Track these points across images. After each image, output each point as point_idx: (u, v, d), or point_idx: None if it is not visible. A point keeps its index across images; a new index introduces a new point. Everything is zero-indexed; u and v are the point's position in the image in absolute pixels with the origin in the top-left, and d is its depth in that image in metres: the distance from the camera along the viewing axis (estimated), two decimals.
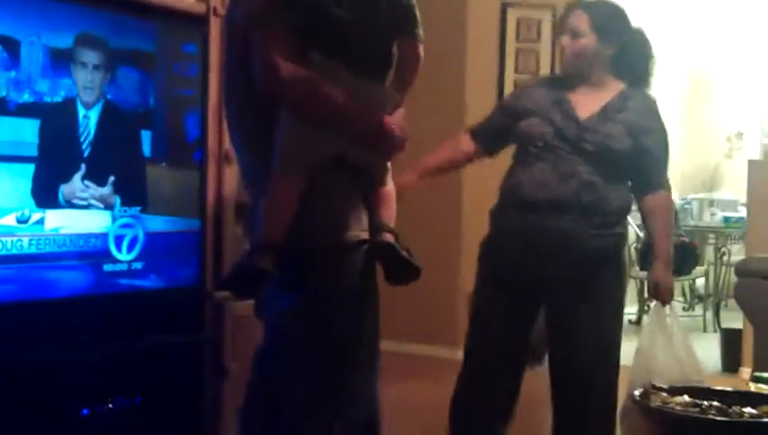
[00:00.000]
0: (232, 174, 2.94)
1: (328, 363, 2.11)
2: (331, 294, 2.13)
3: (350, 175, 2.18)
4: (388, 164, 2.31)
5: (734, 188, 7.26)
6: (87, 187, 2.61)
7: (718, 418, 1.54)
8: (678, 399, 1.71)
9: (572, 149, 2.68)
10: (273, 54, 2.08)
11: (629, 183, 2.78)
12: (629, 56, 2.79)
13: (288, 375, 2.12)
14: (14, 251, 2.45)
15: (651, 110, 2.80)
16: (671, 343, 2.65)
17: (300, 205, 2.11)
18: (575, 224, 2.64)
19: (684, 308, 7.25)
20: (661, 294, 2.74)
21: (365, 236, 2.20)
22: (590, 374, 2.67)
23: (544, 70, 5.13)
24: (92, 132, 2.63)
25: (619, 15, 2.81)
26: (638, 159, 2.71)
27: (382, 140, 2.17)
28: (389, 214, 2.25)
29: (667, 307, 2.73)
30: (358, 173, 2.21)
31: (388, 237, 2.21)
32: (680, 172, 8.06)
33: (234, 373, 2.88)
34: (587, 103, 2.74)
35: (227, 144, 2.80)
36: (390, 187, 2.29)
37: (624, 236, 2.82)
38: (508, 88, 5.18)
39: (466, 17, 4.94)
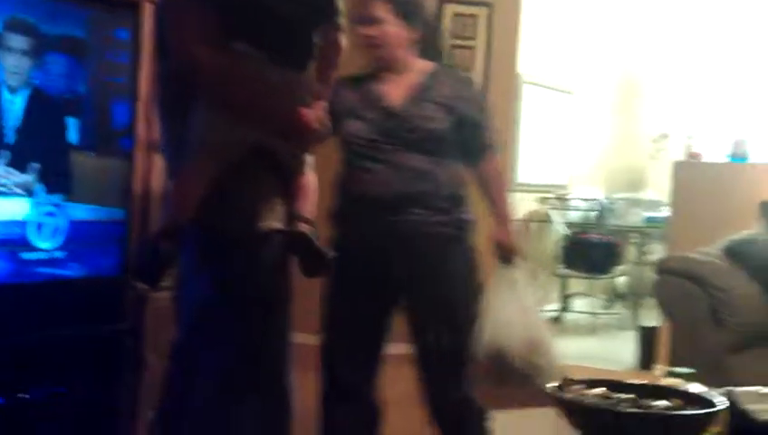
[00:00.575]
0: (161, 164, 2.87)
1: (241, 353, 2.11)
2: (243, 283, 2.13)
3: (267, 164, 2.17)
4: (308, 155, 2.30)
5: (658, 189, 7.44)
6: (9, 173, 2.54)
7: (630, 410, 1.57)
8: (593, 391, 1.75)
9: (396, 140, 2.68)
10: (188, 37, 2.06)
11: (460, 162, 2.82)
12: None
13: (202, 367, 2.12)
14: None
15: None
16: (516, 301, 2.70)
17: (213, 191, 2.10)
18: (419, 215, 2.67)
19: (604, 307, 7.45)
20: (506, 252, 2.76)
21: (278, 226, 2.20)
22: (453, 349, 2.69)
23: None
24: (17, 118, 2.56)
25: None
26: (459, 130, 2.73)
27: (299, 131, 2.16)
28: (307, 204, 2.25)
29: (516, 269, 2.77)
30: (275, 163, 2.20)
31: (304, 228, 2.22)
32: (607, 172, 8.25)
33: (153, 365, 2.85)
34: (397, 90, 2.73)
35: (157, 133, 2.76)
36: (309, 177, 2.29)
37: (469, 221, 2.81)
38: None
39: None
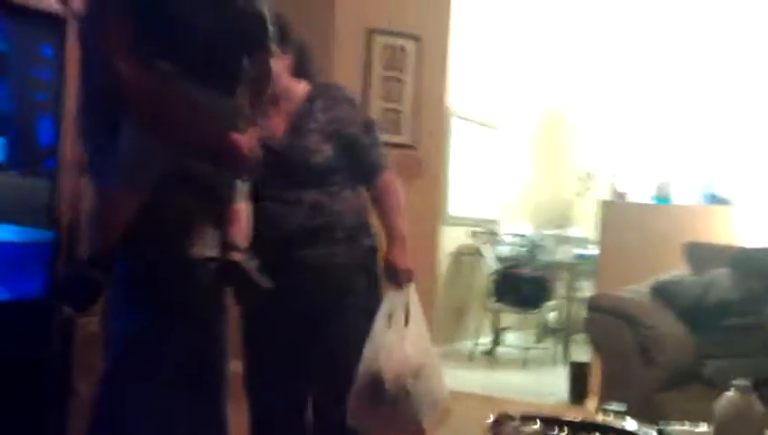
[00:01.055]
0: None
1: (170, 384, 2.05)
2: (172, 313, 2.07)
3: (197, 190, 2.12)
4: (239, 182, 2.26)
5: (585, 226, 7.57)
6: None
7: None
8: (529, 427, 1.74)
9: (284, 177, 2.60)
10: (113, 52, 1.98)
11: (358, 187, 2.75)
12: (304, 56, 2.73)
13: (131, 396, 2.05)
14: None
15: (341, 99, 2.73)
16: (400, 325, 2.63)
17: (141, 216, 2.03)
18: (320, 249, 2.61)
19: (535, 341, 7.50)
20: (399, 276, 2.66)
21: (211, 253, 2.15)
22: (343, 377, 2.63)
23: (406, 130, 5.23)
24: None
25: (284, 19, 2.62)
26: (347, 154, 2.66)
27: (229, 158, 2.10)
28: (239, 232, 2.21)
29: (408, 292, 2.68)
30: (206, 189, 2.15)
31: (236, 256, 2.16)
32: (534, 208, 8.36)
33: (82, 392, 2.76)
34: (278, 122, 2.65)
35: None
36: (241, 205, 2.24)
37: (373, 248, 2.74)
38: (374, 115, 5.25)
39: (333, 42, 4.93)
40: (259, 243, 2.44)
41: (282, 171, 2.57)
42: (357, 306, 2.68)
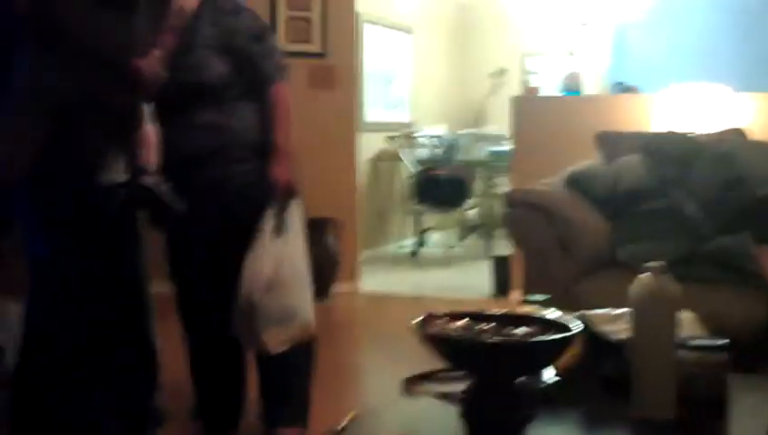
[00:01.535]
0: None
1: (91, 308, 2.08)
2: (87, 238, 2.09)
3: (105, 116, 2.09)
4: (145, 106, 2.23)
5: (500, 124, 7.65)
6: None
7: (493, 339, 1.63)
8: (455, 324, 1.80)
9: (175, 98, 2.50)
10: None
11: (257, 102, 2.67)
12: None
13: (46, 323, 2.09)
14: None
15: (228, 9, 2.64)
16: (283, 242, 2.59)
17: (51, 145, 2.02)
18: (218, 170, 2.56)
19: (458, 240, 7.64)
20: (278, 190, 2.60)
21: (121, 178, 2.13)
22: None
23: (315, 39, 5.12)
24: None
25: None
26: (239, 65, 2.58)
27: (132, 81, 2.09)
28: (150, 155, 2.18)
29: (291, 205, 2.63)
30: (114, 114, 2.11)
31: (147, 180, 2.14)
32: (449, 109, 8.40)
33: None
34: (166, 39, 2.53)
35: None
36: (148, 127, 2.21)
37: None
38: (281, 24, 5.16)
39: None
40: (165, 166, 2.39)
41: (174, 92, 2.46)
42: (237, 223, 2.61)
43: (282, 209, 2.54)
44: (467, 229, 7.68)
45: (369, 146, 6.89)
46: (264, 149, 2.59)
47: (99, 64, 2.01)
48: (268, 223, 2.54)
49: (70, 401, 2.08)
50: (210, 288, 2.65)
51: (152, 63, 2.10)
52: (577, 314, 1.87)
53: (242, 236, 2.55)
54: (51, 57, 1.96)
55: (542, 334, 1.62)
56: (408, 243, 7.45)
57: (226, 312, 2.56)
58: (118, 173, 2.10)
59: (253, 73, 2.60)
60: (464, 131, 7.92)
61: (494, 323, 1.72)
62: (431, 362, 1.68)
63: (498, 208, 6.18)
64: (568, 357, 1.74)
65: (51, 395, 2.08)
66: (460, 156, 7.52)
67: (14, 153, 1.98)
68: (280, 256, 2.52)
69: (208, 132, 2.51)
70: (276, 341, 2.50)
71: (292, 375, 2.65)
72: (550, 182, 3.74)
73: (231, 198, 2.57)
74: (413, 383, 1.80)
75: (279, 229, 2.55)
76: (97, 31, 1.98)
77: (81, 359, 2.09)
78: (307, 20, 5.16)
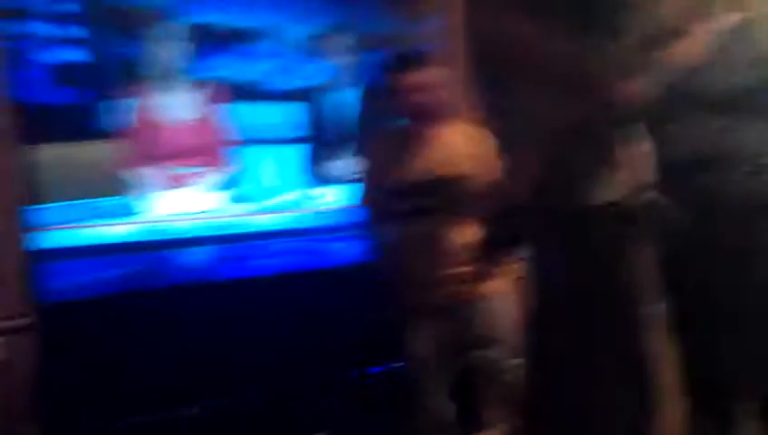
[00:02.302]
0: None
1: (581, 329, 2.17)
2: (583, 259, 2.15)
3: (593, 137, 2.16)
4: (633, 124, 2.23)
5: None
6: (352, 163, 2.84)
7: None
8: None
9: (691, 100, 2.47)
10: (496, 13, 2.10)
11: None
12: None
13: (550, 339, 2.22)
14: (296, 225, 2.75)
15: None
16: None
17: (544, 171, 2.13)
18: (721, 175, 2.49)
19: None
20: None
21: (612, 197, 2.16)
22: None
23: None
24: (354, 112, 2.87)
25: None
26: None
27: (620, 103, 2.12)
28: (644, 172, 2.22)
29: None
30: (602, 135, 2.18)
31: (648, 196, 2.17)
32: None
33: None
34: (698, 45, 2.51)
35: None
36: (641, 145, 2.22)
37: None
38: None
39: None
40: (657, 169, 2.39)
41: (688, 92, 2.48)
42: None
43: None
44: None
45: None
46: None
47: (590, 92, 2.10)
48: None
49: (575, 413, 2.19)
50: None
51: (638, 85, 2.14)
52: None
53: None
54: (545, 91, 2.09)
55: None
56: None
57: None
58: (608, 192, 2.15)
59: None
60: None
61: None
62: None
63: None
64: None
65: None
66: None
67: (523, 177, 2.13)
68: None
69: (717, 137, 2.50)
70: None
71: None
72: None
73: (736, 204, 2.49)
74: None
75: None
76: (575, 58, 2.06)
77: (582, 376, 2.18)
78: None
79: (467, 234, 2.39)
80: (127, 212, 2.48)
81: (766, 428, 2.63)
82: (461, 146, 2.52)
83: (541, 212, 2.16)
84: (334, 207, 2.83)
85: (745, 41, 2.56)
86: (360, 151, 2.85)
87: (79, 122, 2.42)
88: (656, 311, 2.32)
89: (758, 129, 2.56)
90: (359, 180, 2.51)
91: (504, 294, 2.68)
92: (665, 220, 2.17)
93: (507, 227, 2.20)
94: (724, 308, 2.64)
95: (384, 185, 2.43)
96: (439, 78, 2.46)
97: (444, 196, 2.50)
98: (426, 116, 2.43)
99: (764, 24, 2.60)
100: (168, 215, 2.54)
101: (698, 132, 2.55)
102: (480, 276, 2.66)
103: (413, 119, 2.42)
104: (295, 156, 2.78)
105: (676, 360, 2.66)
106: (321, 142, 2.83)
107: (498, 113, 2.24)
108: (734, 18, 2.59)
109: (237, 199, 2.67)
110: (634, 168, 2.21)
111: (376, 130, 2.66)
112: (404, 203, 2.45)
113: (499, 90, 2.19)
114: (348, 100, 2.88)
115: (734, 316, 2.65)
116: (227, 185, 2.64)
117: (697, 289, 2.64)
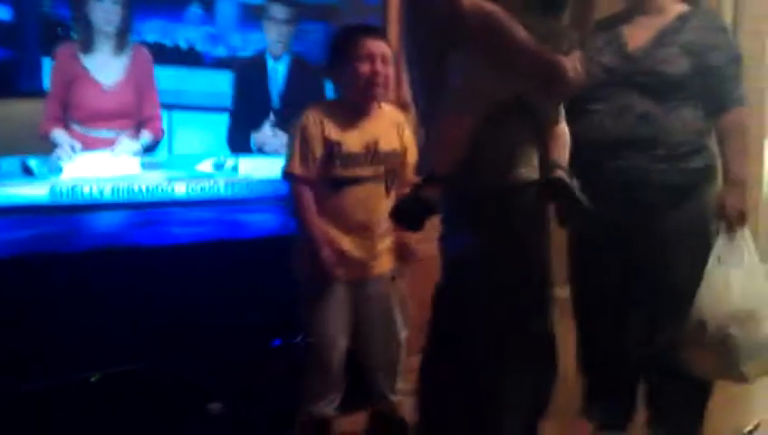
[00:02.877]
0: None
1: (497, 305, 2.12)
2: (500, 234, 2.12)
3: (521, 114, 2.14)
4: (561, 104, 2.26)
5: None
6: (276, 135, 2.86)
7: None
8: None
9: (624, 84, 2.59)
10: None
11: (702, 112, 2.63)
12: None
13: (461, 316, 2.15)
14: (211, 194, 2.75)
15: (713, 27, 2.66)
16: (742, 272, 2.56)
17: (470, 143, 2.08)
18: (634, 160, 2.58)
19: None
20: (728, 218, 2.56)
21: (535, 175, 2.16)
22: (667, 309, 2.67)
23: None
24: (281, 83, 2.88)
25: None
26: (702, 79, 2.59)
27: (557, 82, 2.09)
28: (562, 152, 2.20)
29: (740, 233, 2.58)
30: (530, 112, 2.16)
31: (560, 174, 2.14)
32: None
33: (413, 314, 3.06)
34: (641, 33, 2.64)
35: (405, 95, 2.80)
36: (562, 126, 2.24)
37: (707, 169, 2.61)
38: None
39: None
40: (580, 149, 2.36)
41: (626, 78, 2.61)
42: (676, 230, 2.61)
43: (731, 238, 2.57)
44: None
45: None
46: (686, 152, 2.59)
47: (527, 69, 2.06)
48: (720, 249, 2.56)
49: (479, 391, 2.15)
50: (615, 292, 2.73)
51: (573, 62, 2.10)
52: None
53: (645, 240, 2.62)
54: (482, 64, 2.04)
55: None
56: None
57: (626, 319, 2.72)
58: (533, 169, 2.13)
59: (712, 90, 2.60)
60: None
61: None
62: None
63: None
64: None
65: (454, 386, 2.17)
66: None
67: (447, 147, 2.07)
68: (744, 284, 2.55)
69: (638, 122, 2.57)
70: (756, 372, 2.57)
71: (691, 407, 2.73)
72: None
73: (638, 194, 2.59)
74: None
75: (738, 257, 2.56)
76: (528, 36, 2.02)
77: (489, 354, 2.16)
78: None
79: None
80: (40, 173, 2.44)
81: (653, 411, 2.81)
82: (394, 122, 2.66)
83: (459, 186, 2.14)
84: (253, 178, 2.83)
85: (680, 30, 2.66)
86: (288, 121, 2.79)
87: None
88: (562, 293, 2.41)
89: (682, 117, 2.65)
90: (288, 149, 2.56)
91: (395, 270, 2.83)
92: (577, 203, 2.13)
93: (422, 199, 2.08)
94: (622, 292, 2.80)
95: (319, 154, 2.51)
96: (391, 52, 2.55)
97: (381, 167, 2.61)
98: (376, 87, 2.53)
99: (701, 15, 2.70)
100: (83, 178, 2.50)
101: (623, 115, 2.64)
102: (400, 249, 2.77)
103: (364, 88, 2.51)
104: (218, 124, 2.76)
105: (575, 341, 2.85)
106: (245, 112, 2.82)
107: (428, 85, 2.19)
108: (677, 8, 2.73)
109: (155, 166, 2.64)
110: (556, 147, 2.22)
111: (312, 101, 2.62)
112: (342, 171, 2.55)
113: (431, 61, 2.15)
114: (276, 71, 2.87)
115: (630, 301, 2.81)
116: (146, 150, 2.62)
117: (599, 273, 2.80)
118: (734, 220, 2.55)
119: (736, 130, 2.60)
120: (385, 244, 2.66)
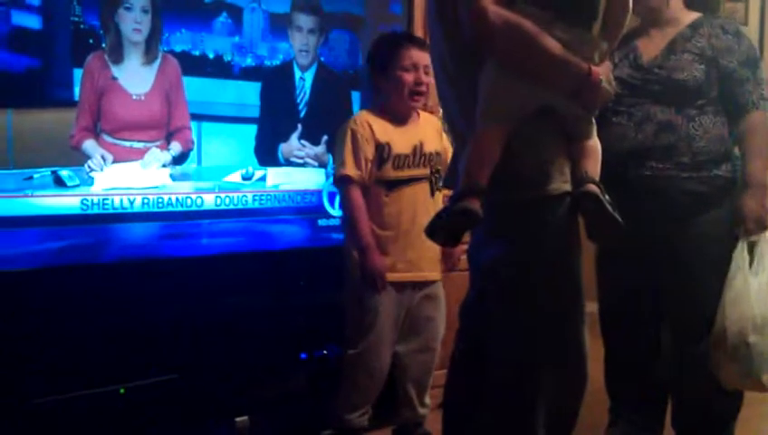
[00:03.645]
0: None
1: (529, 317, 2.10)
2: (532, 247, 2.09)
3: (554, 127, 2.11)
4: (593, 117, 2.22)
5: None
6: (303, 145, 2.85)
7: None
8: None
9: (642, 95, 2.61)
10: (481, 3, 1.99)
11: (723, 122, 2.64)
12: None
13: (490, 330, 2.13)
14: (240, 206, 2.74)
15: (725, 31, 2.66)
16: (762, 279, 2.56)
17: (502, 156, 2.05)
18: (658, 169, 2.58)
19: None
20: (746, 222, 2.55)
21: (567, 188, 2.12)
22: (691, 321, 2.68)
23: (754, 21, 4.55)
24: (308, 93, 2.87)
25: None
26: (720, 83, 2.61)
27: (588, 92, 2.06)
28: (594, 167, 2.14)
29: (761, 239, 2.57)
30: (562, 125, 2.13)
31: (592, 188, 2.09)
32: None
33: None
34: (655, 44, 2.67)
35: (431, 102, 2.84)
36: (595, 140, 2.20)
37: (731, 177, 2.61)
38: None
39: None
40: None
41: (641, 88, 2.61)
42: (701, 239, 2.61)
43: (751, 244, 2.57)
44: None
45: None
46: (708, 160, 2.59)
47: (557, 81, 2.04)
48: (739, 255, 2.56)
49: (507, 406, 2.13)
50: (636, 307, 2.75)
51: (605, 73, 2.09)
52: None
53: (669, 253, 2.63)
54: (510, 76, 2.03)
55: None
56: None
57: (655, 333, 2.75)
58: (565, 182, 2.09)
59: (731, 94, 2.61)
60: None
61: None
62: None
63: None
64: None
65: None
66: None
67: (482, 161, 2.05)
68: (763, 293, 2.56)
69: (659, 130, 2.58)
70: None
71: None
72: None
73: (663, 202, 2.59)
74: None
75: (754, 263, 2.56)
76: (557, 48, 2.00)
77: (518, 367, 2.13)
78: None
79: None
80: (70, 184, 2.42)
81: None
82: (434, 125, 2.81)
83: (491, 198, 2.09)
84: (281, 189, 2.81)
85: (691, 37, 2.70)
86: (315, 132, 2.85)
87: (27, 90, 2.33)
88: (589, 308, 2.27)
89: (703, 124, 2.66)
90: (338, 154, 2.66)
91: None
92: (609, 218, 2.09)
93: (463, 211, 2.03)
94: (647, 305, 2.82)
95: (372, 156, 2.63)
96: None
97: (428, 169, 2.74)
98: (421, 96, 2.69)
99: (713, 21, 2.73)
100: (113, 188, 2.48)
101: (643, 126, 2.67)
102: (446, 256, 2.85)
103: (409, 96, 2.67)
104: (246, 135, 2.75)
105: (602, 358, 2.86)
106: (273, 123, 2.80)
107: (464, 100, 2.16)
108: (690, 17, 2.76)
109: (185, 177, 2.63)
110: (588, 161, 2.18)
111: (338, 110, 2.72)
112: (395, 173, 2.68)
113: (471, 79, 2.11)
114: (304, 81, 2.86)
115: (656, 314, 2.83)
116: (176, 162, 2.60)
117: (623, 285, 2.82)
118: (753, 225, 2.55)
119: (756, 132, 2.60)
120: (433, 249, 2.71)
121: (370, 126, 2.64)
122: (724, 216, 2.59)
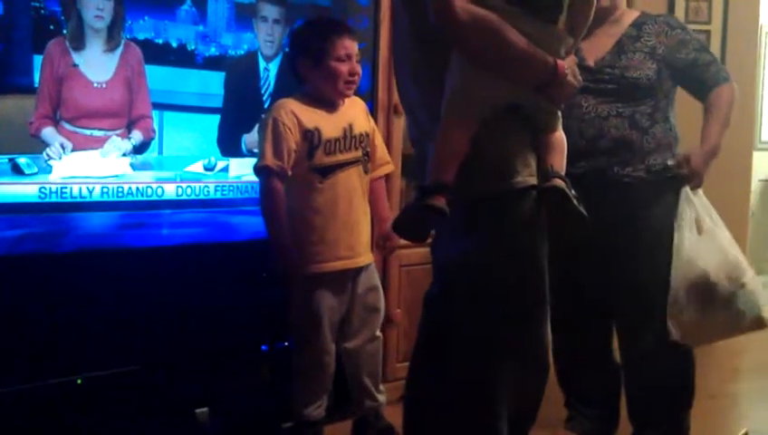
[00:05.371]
0: (400, 126, 3.09)
1: (492, 311, 2.08)
2: (498, 240, 2.08)
3: (519, 119, 2.10)
4: (558, 111, 2.23)
5: None
6: None
7: None
8: None
9: (591, 93, 2.65)
10: None
11: (672, 116, 2.75)
12: None
13: (455, 323, 2.11)
14: (201, 196, 2.72)
15: (674, 25, 2.75)
16: (712, 230, 2.63)
17: (469, 150, 2.04)
18: (608, 165, 2.65)
19: None
20: (690, 176, 2.64)
21: (533, 181, 2.10)
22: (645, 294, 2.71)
23: (717, 19, 4.58)
24: (272, 84, 2.84)
25: None
26: (683, 74, 2.69)
27: (555, 86, 2.06)
28: (560, 160, 2.14)
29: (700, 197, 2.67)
30: (527, 119, 2.12)
31: (558, 183, 2.08)
32: None
33: (400, 321, 3.16)
34: (600, 43, 2.70)
35: (396, 97, 2.87)
36: (560, 133, 2.20)
37: (676, 173, 2.68)
38: None
39: None
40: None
41: (593, 86, 2.65)
42: (645, 226, 2.68)
43: (690, 205, 2.64)
44: None
45: (762, 167, 6.21)
46: (654, 151, 2.66)
47: (524, 75, 2.04)
48: (691, 213, 2.63)
49: (469, 397, 2.11)
50: (591, 298, 2.80)
51: (571, 67, 2.09)
52: None
53: (618, 242, 2.68)
54: (478, 70, 2.02)
55: None
56: None
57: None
58: (530, 175, 2.08)
59: (699, 80, 2.70)
60: None
61: None
62: None
63: None
64: None
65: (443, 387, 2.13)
66: None
67: (449, 155, 2.03)
68: (729, 239, 2.64)
69: (615, 126, 2.63)
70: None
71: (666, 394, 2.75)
72: None
73: (617, 195, 2.65)
74: None
75: (699, 218, 2.64)
76: (523, 43, 1.99)
77: (481, 360, 2.12)
78: (707, 33, 4.71)
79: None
80: (28, 172, 2.38)
81: None
82: (360, 107, 2.76)
83: (455, 192, 2.07)
84: (243, 180, 2.79)
85: (639, 37, 2.74)
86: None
87: None
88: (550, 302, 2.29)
89: (654, 118, 2.72)
90: (260, 144, 2.58)
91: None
92: (574, 212, 2.10)
93: (430, 207, 2.01)
94: (597, 298, 2.86)
95: (298, 146, 2.56)
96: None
97: (360, 151, 2.70)
98: (353, 85, 2.64)
99: (655, 19, 2.79)
100: (72, 177, 2.44)
101: (594, 122, 2.70)
102: (381, 239, 2.84)
103: (343, 86, 2.61)
104: (209, 125, 2.72)
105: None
106: (236, 113, 2.78)
107: (430, 95, 2.13)
108: (631, 16, 2.81)
109: (145, 166, 2.60)
110: (554, 155, 2.17)
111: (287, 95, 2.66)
112: (327, 159, 2.62)
113: (439, 71, 2.09)
114: (268, 71, 2.84)
115: (606, 307, 2.86)
116: (136, 151, 2.57)
117: (573, 279, 2.82)
118: (692, 177, 2.64)
119: (720, 100, 2.70)
120: (367, 233, 2.72)
121: (295, 114, 2.56)
122: (671, 209, 2.65)
